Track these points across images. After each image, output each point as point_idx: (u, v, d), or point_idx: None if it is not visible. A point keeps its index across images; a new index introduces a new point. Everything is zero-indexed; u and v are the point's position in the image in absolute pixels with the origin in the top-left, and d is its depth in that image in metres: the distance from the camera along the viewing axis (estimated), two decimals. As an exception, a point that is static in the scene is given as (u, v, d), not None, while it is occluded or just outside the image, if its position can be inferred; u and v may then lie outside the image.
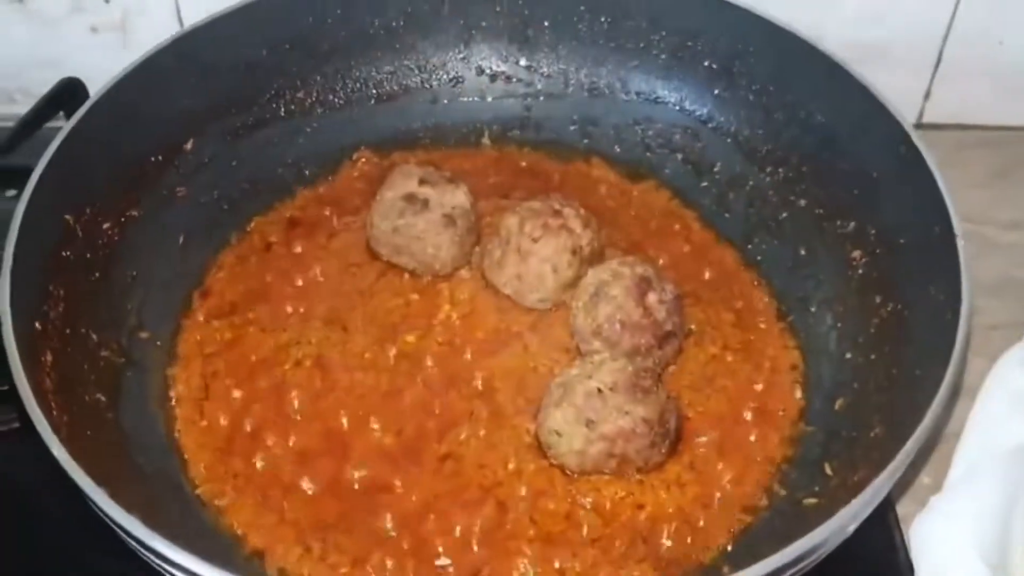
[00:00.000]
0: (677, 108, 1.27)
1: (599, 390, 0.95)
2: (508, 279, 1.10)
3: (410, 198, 1.12)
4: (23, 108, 1.26)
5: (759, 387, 1.06)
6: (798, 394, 1.05)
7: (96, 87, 1.11)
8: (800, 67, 1.16)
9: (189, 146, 1.18)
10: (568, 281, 1.09)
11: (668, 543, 0.94)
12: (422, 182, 1.13)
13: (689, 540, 0.94)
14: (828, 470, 0.96)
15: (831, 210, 1.14)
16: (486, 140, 1.30)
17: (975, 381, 1.10)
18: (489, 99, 1.32)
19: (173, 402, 1.04)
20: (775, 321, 1.12)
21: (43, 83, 1.28)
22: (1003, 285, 1.26)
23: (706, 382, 1.06)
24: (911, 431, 0.84)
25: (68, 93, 1.27)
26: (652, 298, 1.03)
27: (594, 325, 1.03)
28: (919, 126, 1.43)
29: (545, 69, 1.31)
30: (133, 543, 0.78)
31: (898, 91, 1.09)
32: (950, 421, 1.10)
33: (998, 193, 1.36)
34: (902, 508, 1.04)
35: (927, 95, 1.43)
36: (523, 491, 0.97)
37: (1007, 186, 1.37)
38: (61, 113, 1.26)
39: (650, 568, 0.92)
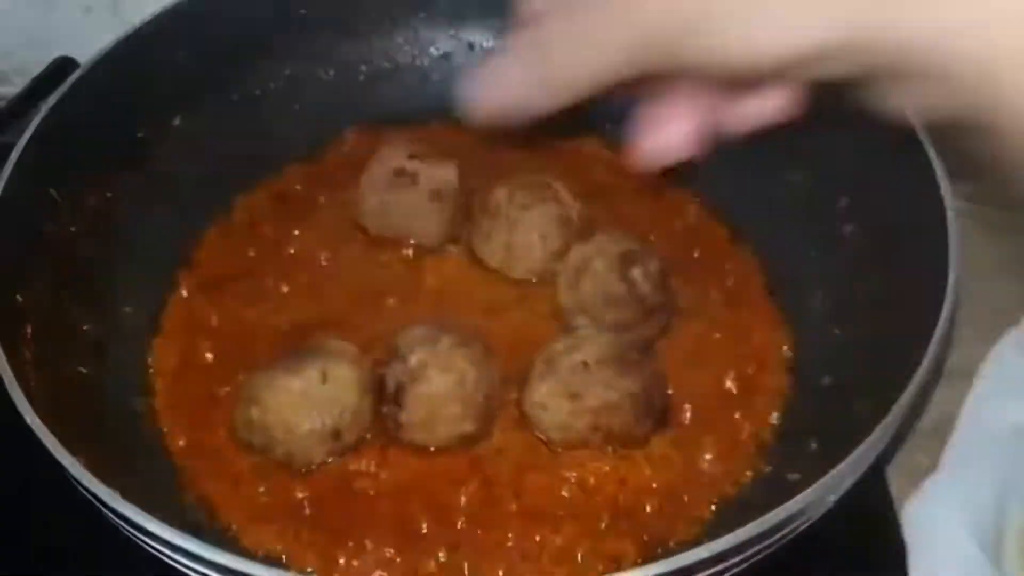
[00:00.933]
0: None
1: (584, 364, 0.94)
2: (495, 249, 1.09)
3: (399, 172, 1.11)
4: (17, 88, 1.26)
5: (746, 364, 1.05)
6: (785, 371, 1.04)
7: (90, 67, 1.11)
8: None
9: (176, 122, 1.18)
10: (557, 251, 1.08)
11: (651, 518, 0.93)
12: (411, 156, 1.12)
13: (672, 515, 0.94)
14: (813, 446, 0.95)
15: (825, 185, 1.12)
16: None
17: (974, 364, 1.09)
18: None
19: (154, 377, 1.04)
20: (765, 298, 1.11)
21: (38, 64, 1.29)
22: (1004, 268, 1.24)
23: (693, 359, 1.05)
24: (891, 406, 0.83)
25: (61, 72, 1.26)
26: (636, 272, 1.02)
27: (578, 300, 1.03)
28: None
29: (539, 44, 1.30)
30: (112, 516, 0.78)
31: None
32: (950, 403, 1.09)
33: (1001, 174, 1.33)
34: (897, 489, 1.03)
35: None
36: (508, 465, 0.97)
37: (1011, 167, 1.35)
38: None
39: (631, 543, 0.91)
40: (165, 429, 0.99)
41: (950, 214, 0.94)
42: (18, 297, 0.94)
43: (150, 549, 0.78)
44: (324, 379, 0.93)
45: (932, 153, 0.99)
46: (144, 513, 0.74)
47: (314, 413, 0.93)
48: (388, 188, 1.11)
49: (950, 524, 0.95)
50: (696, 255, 1.15)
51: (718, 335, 1.07)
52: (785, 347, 1.06)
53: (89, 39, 1.13)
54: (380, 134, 1.24)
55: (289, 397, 0.92)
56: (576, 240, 1.08)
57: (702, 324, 1.08)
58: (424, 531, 0.93)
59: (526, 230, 1.08)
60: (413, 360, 0.94)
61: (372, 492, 0.95)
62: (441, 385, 0.94)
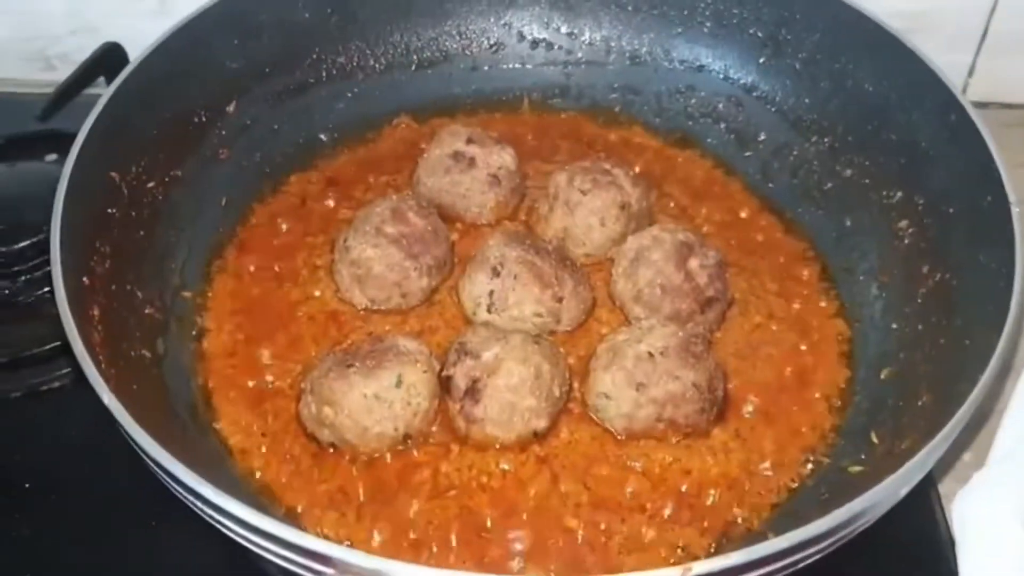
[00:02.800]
0: (721, 76, 1.26)
1: (650, 354, 0.95)
2: (555, 232, 1.10)
3: (457, 156, 1.12)
4: (62, 75, 1.26)
5: (804, 356, 1.05)
6: (843, 364, 1.04)
7: (135, 53, 1.11)
8: (848, 35, 1.16)
9: (232, 108, 1.18)
10: (615, 236, 1.08)
11: (713, 508, 0.93)
12: (469, 141, 1.13)
13: (734, 506, 0.94)
14: (874, 439, 0.95)
15: (878, 180, 1.13)
16: (525, 107, 1.29)
17: (1018, 360, 1.10)
18: (529, 66, 1.31)
19: (207, 358, 1.04)
20: (820, 291, 1.11)
21: (81, 50, 1.28)
22: None
23: (751, 351, 1.05)
24: (963, 399, 0.82)
25: (109, 58, 1.26)
26: (694, 263, 1.02)
27: (634, 290, 1.03)
28: None
29: (587, 36, 1.30)
30: (179, 489, 0.79)
31: (941, 67, 1.07)
32: (994, 399, 1.09)
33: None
34: (944, 487, 1.04)
35: (971, 71, 1.41)
36: (574, 457, 0.97)
37: (1052, 167, 1.35)
38: (101, 79, 1.26)
39: (696, 532, 0.92)
40: (220, 415, 1.00)
41: (1015, 210, 0.94)
42: (84, 279, 0.94)
43: (221, 528, 0.78)
44: (399, 383, 0.93)
45: (992, 146, 0.99)
46: (225, 495, 0.75)
47: (388, 418, 0.93)
48: (446, 171, 1.12)
49: (999, 517, 0.95)
50: (751, 247, 1.15)
51: (775, 327, 1.07)
52: (842, 340, 1.06)
53: (133, 25, 1.15)
54: (431, 122, 1.25)
55: (364, 402, 0.93)
56: (634, 227, 1.08)
57: (759, 316, 1.08)
58: (488, 524, 0.92)
59: (585, 214, 1.08)
60: (487, 355, 0.95)
61: (433, 485, 0.94)
62: (518, 378, 0.94)
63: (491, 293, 1.02)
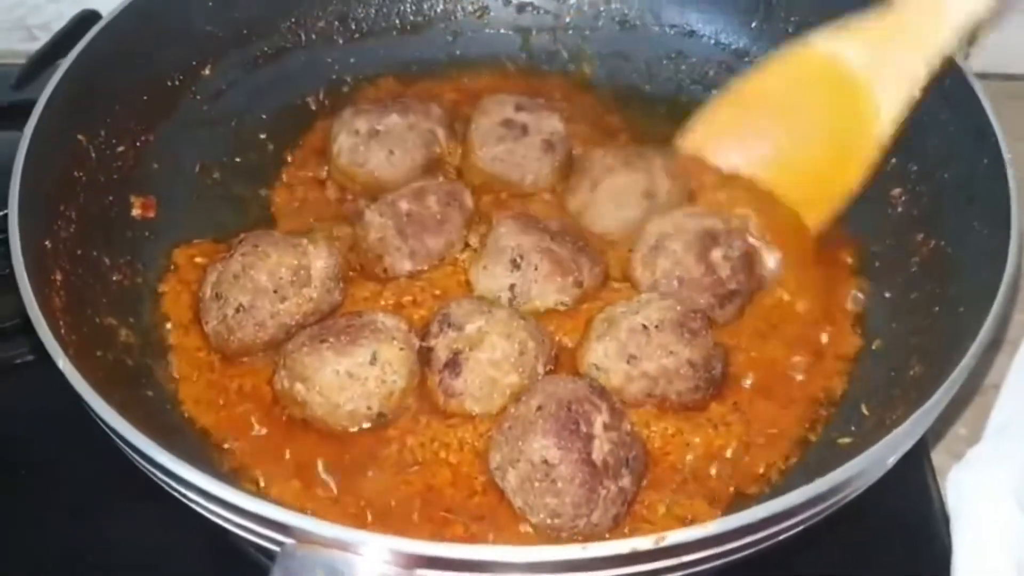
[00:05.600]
0: (712, 42, 1.23)
1: (644, 327, 0.91)
2: (576, 207, 1.07)
3: (508, 124, 1.09)
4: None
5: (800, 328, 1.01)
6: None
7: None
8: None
9: (207, 71, 1.15)
10: (632, 220, 1.04)
11: (715, 479, 0.90)
12: (519, 108, 1.10)
13: (733, 476, 0.90)
14: (865, 410, 0.92)
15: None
16: (511, 71, 1.26)
17: (1016, 335, 1.07)
18: (514, 32, 1.28)
19: (176, 326, 1.00)
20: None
21: (61, 19, 1.26)
22: None
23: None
24: (952, 369, 0.80)
25: (85, 26, 1.20)
26: (716, 254, 0.98)
27: (652, 279, 0.98)
28: None
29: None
30: (136, 457, 0.76)
31: None
32: (989, 372, 1.07)
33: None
34: (937, 459, 1.01)
35: (971, 40, 1.37)
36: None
37: (1054, 140, 1.32)
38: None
39: (704, 502, 0.88)
40: (187, 384, 0.97)
41: (1010, 170, 0.91)
42: (47, 243, 0.91)
43: (185, 500, 0.76)
44: (374, 361, 0.90)
45: (988, 107, 0.96)
46: (182, 463, 0.72)
47: (361, 396, 0.90)
48: (499, 140, 1.08)
49: (994, 492, 0.93)
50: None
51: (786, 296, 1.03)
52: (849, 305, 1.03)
53: None
54: (414, 87, 1.22)
55: (337, 379, 0.89)
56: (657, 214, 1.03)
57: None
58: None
59: (606, 194, 1.05)
60: (471, 328, 0.91)
61: (400, 459, 0.91)
62: (501, 353, 0.90)
63: (512, 287, 0.98)
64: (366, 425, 0.91)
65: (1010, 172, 0.90)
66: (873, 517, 0.86)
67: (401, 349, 0.91)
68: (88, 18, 1.24)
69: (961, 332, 0.84)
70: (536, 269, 0.97)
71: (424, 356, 0.93)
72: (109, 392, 0.78)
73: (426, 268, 1.02)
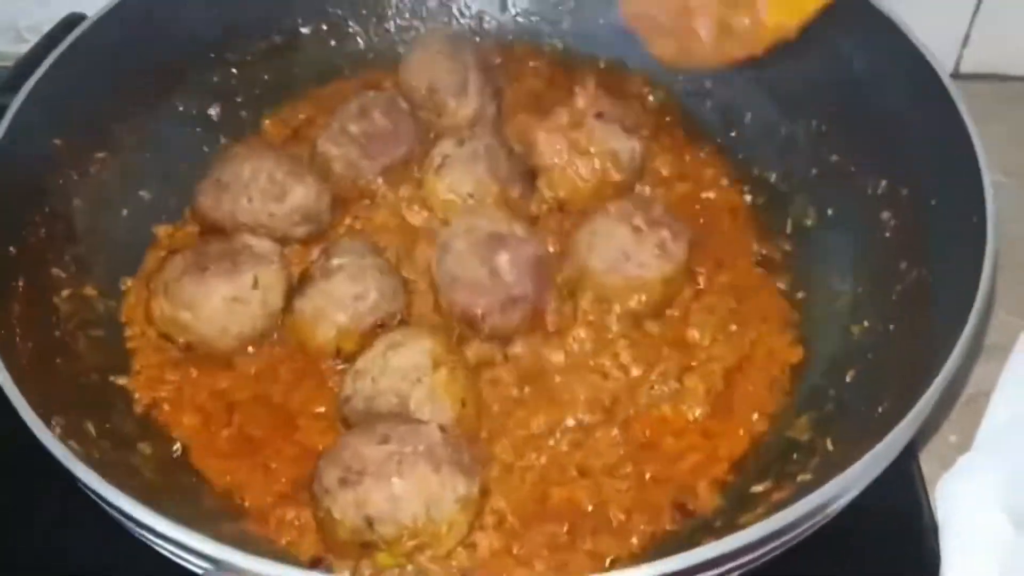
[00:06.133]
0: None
1: None
2: None
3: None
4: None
5: (766, 337, 1.01)
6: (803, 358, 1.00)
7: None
8: (842, 13, 1.07)
9: (194, 72, 1.16)
10: None
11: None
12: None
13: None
14: (829, 446, 0.90)
15: (864, 167, 1.06)
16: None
17: (1007, 340, 1.04)
18: (511, 37, 1.27)
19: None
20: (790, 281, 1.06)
21: (52, 21, 1.24)
22: None
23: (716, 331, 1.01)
24: (913, 403, 0.78)
25: (70, 29, 1.18)
26: (502, 259, 0.96)
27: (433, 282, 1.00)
28: (956, 76, 1.34)
29: (573, 3, 1.26)
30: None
31: (934, 36, 1.00)
32: (979, 381, 1.05)
33: (1038, 147, 1.27)
34: (927, 467, 0.99)
35: (965, 41, 1.34)
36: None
37: (1049, 140, 1.28)
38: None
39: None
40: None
41: (990, 207, 0.87)
42: (11, 249, 0.92)
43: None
44: (256, 285, 0.95)
45: (975, 137, 0.92)
46: (112, 487, 0.72)
47: (247, 318, 0.95)
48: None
49: (983, 502, 0.92)
50: (724, 228, 1.10)
51: (734, 326, 1.02)
52: (801, 339, 1.01)
53: None
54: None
55: (224, 304, 0.94)
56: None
57: (720, 297, 1.03)
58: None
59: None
60: (334, 263, 0.96)
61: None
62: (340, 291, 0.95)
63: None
64: (251, 350, 0.97)
65: (990, 209, 0.87)
66: (862, 525, 0.84)
67: (278, 271, 0.97)
68: (74, 22, 1.19)
69: (928, 370, 0.80)
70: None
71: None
72: (49, 399, 0.79)
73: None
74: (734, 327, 1.01)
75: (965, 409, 1.05)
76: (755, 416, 0.96)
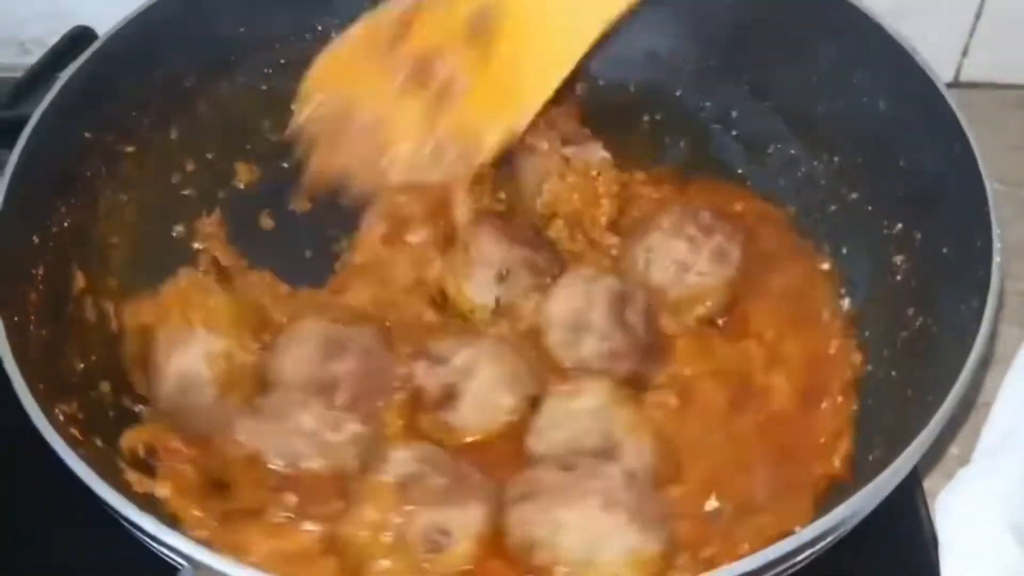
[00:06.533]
0: (734, 83, 1.20)
1: None
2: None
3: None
4: (36, 59, 1.21)
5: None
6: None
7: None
8: (869, 52, 1.07)
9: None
10: None
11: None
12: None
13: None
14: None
15: (881, 207, 1.06)
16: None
17: (1008, 350, 1.04)
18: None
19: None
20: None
21: (55, 33, 1.24)
22: None
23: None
24: (895, 458, 0.77)
25: (78, 43, 1.20)
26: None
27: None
28: (956, 84, 1.36)
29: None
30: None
31: (935, 47, 1.02)
32: (981, 391, 1.05)
33: (1037, 156, 1.26)
34: (929, 481, 0.99)
35: (965, 51, 1.34)
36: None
37: (1047, 149, 1.28)
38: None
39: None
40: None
41: (996, 259, 0.87)
42: (34, 238, 0.94)
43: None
44: None
45: (988, 187, 0.91)
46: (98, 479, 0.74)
47: None
48: None
49: (983, 515, 0.91)
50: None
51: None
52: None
53: (106, 10, 1.10)
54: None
55: None
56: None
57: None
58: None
59: None
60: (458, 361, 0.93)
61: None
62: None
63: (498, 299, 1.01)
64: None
65: (996, 260, 0.86)
66: (861, 538, 0.83)
67: None
68: (80, 35, 1.23)
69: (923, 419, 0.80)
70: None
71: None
72: (54, 388, 0.82)
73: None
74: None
75: (967, 422, 1.04)
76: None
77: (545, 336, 0.98)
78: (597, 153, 1.09)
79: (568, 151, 1.09)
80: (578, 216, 1.08)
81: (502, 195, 1.12)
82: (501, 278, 1.00)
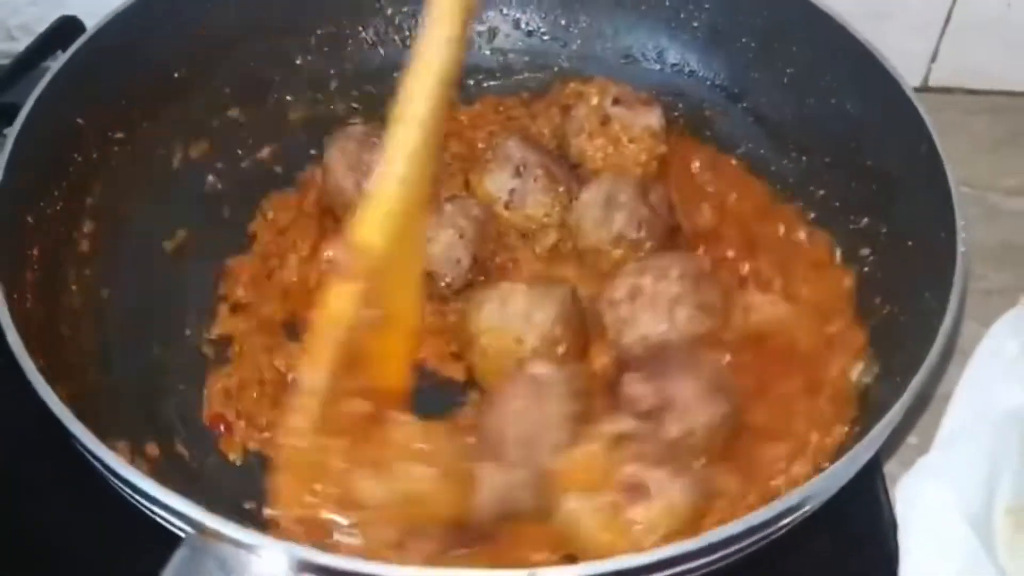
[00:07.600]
0: (709, 84, 1.25)
1: None
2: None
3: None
4: (22, 46, 1.22)
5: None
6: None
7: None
8: (837, 54, 1.12)
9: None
10: None
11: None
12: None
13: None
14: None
15: (847, 204, 1.10)
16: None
17: (969, 345, 1.06)
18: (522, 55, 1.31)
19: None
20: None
21: (42, 21, 1.25)
22: (1003, 251, 1.24)
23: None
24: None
25: (65, 32, 1.22)
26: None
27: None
28: (924, 89, 1.39)
29: (582, 28, 1.29)
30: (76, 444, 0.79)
31: (904, 52, 1.05)
32: (941, 383, 1.08)
33: (1003, 159, 1.33)
34: (889, 468, 1.03)
35: (934, 57, 1.38)
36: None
37: (1013, 153, 1.34)
38: (59, 52, 1.18)
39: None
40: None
41: (960, 249, 0.92)
42: (28, 218, 0.96)
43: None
44: None
45: (951, 181, 0.96)
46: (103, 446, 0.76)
47: None
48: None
49: (941, 503, 0.94)
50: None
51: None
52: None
53: None
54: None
55: None
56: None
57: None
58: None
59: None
60: None
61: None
62: None
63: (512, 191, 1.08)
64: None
65: (960, 250, 0.91)
66: (822, 523, 0.85)
67: None
68: (66, 24, 1.23)
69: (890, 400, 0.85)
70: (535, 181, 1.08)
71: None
72: (55, 365, 0.83)
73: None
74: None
75: (926, 411, 1.08)
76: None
77: (581, 224, 1.06)
78: (642, 119, 1.12)
79: (613, 110, 1.12)
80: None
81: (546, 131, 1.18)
82: (518, 172, 1.07)
